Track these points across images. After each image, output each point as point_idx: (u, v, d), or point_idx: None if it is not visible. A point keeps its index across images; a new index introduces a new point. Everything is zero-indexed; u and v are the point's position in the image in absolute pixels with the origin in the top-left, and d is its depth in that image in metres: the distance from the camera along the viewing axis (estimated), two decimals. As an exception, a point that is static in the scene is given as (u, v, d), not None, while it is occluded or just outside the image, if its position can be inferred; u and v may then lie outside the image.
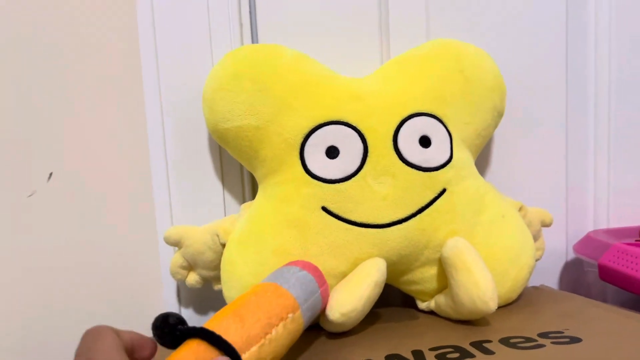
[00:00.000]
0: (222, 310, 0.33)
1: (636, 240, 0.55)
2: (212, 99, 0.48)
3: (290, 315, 0.34)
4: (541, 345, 0.38)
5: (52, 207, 0.53)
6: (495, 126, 0.54)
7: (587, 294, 0.51)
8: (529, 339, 0.39)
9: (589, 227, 0.65)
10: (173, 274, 0.51)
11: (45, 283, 0.53)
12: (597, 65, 0.63)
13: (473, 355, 0.37)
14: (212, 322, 0.31)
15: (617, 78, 0.63)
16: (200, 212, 0.55)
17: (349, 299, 0.41)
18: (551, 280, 0.65)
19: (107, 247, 0.54)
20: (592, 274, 0.64)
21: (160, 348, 0.31)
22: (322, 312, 0.41)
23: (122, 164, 0.54)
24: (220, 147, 0.55)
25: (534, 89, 0.62)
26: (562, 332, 0.40)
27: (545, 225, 0.56)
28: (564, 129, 0.63)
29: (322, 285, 0.40)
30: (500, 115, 0.53)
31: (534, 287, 0.56)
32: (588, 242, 0.59)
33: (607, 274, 0.53)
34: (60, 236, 0.53)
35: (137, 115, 0.54)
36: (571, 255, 0.64)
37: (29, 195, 0.53)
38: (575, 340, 0.38)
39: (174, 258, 0.51)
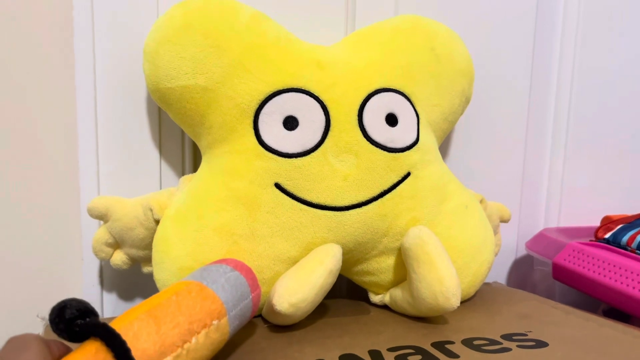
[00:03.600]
0: (135, 308, 0.27)
1: (590, 240, 0.54)
2: (155, 53, 0.41)
3: (215, 322, 0.29)
4: (507, 349, 0.35)
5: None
6: (462, 112, 0.51)
7: (533, 292, 0.50)
8: (492, 341, 0.37)
9: (540, 225, 0.64)
10: (96, 252, 0.45)
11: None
12: (560, 65, 0.62)
13: (437, 359, 0.34)
14: (121, 320, 0.25)
15: (579, 79, 0.63)
16: (131, 184, 0.48)
17: (299, 288, 0.37)
18: (499, 276, 0.63)
19: (21, 216, 0.47)
20: (540, 272, 0.63)
21: None
22: (252, 317, 0.36)
23: (44, 123, 0.47)
24: (159, 110, 0.49)
25: (499, 80, 0.60)
26: (526, 335, 0.38)
27: (504, 220, 0.54)
28: (525, 124, 0.61)
29: (254, 289, 0.34)
30: (467, 101, 0.51)
31: (487, 284, 0.54)
32: (541, 240, 0.58)
33: (560, 273, 0.52)
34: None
35: (64, 66, 0.47)
36: (521, 252, 0.63)
37: None
38: (541, 344, 0.36)
39: (98, 233, 0.44)
